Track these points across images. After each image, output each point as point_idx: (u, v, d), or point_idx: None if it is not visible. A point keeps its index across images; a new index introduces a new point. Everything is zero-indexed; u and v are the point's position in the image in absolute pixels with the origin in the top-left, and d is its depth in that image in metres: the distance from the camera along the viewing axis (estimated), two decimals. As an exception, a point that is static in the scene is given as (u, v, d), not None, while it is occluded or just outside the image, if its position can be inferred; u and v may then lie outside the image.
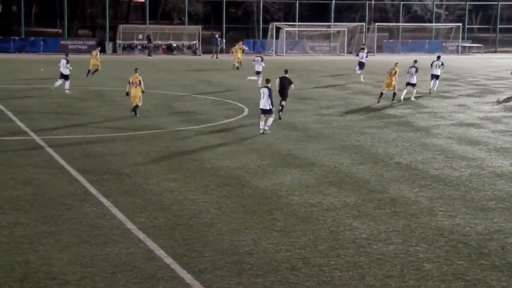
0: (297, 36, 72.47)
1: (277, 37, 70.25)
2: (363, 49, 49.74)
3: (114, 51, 66.58)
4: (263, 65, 41.10)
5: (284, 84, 28.83)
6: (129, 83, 28.59)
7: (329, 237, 14.18)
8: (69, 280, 11.75)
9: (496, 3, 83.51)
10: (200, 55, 68.30)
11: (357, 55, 49.10)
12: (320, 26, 73.70)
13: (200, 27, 71.55)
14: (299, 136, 25.29)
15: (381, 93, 34.37)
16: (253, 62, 40.99)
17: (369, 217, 15.52)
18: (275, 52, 69.38)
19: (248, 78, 41.65)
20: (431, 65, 38.68)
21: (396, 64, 34.59)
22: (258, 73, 40.51)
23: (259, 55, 42.87)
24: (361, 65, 46.64)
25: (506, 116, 30.33)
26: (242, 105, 32.32)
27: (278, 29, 70.49)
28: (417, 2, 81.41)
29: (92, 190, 17.33)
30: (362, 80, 45.00)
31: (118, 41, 67.29)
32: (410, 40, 76.48)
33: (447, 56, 65.97)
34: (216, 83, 42.05)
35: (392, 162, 21.05)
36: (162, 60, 61.09)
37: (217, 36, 67.36)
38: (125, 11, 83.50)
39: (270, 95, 25.10)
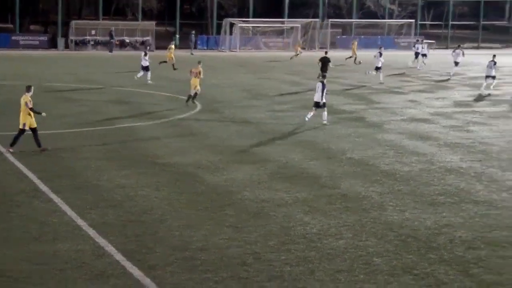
0: (251, 32, 72.45)
1: (231, 33, 70.15)
2: (418, 41, 54.86)
3: (67, 47, 65.85)
4: (382, 60, 41.83)
5: (325, 62, 39.69)
6: (191, 72, 31.39)
7: (280, 232, 14.24)
8: (17, 277, 11.62)
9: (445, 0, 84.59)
10: (153, 51, 67.84)
11: (414, 46, 53.13)
12: (274, 22, 73.73)
13: (154, 23, 71.07)
14: (252, 131, 25.34)
15: None
16: (374, 57, 41.90)
17: (320, 212, 15.61)
18: (229, 48, 69.29)
19: (369, 72, 42.19)
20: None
21: None
22: (378, 68, 41.50)
23: (379, 50, 43.12)
24: (417, 55, 51.30)
25: (456, 112, 30.71)
26: (195, 101, 32.20)
27: (232, 25, 70.39)
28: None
29: (43, 187, 17.15)
30: (418, 68, 50.18)
31: (71, 37, 66.52)
32: (363, 36, 76.85)
33: (399, 52, 66.68)
34: (172, 79, 41.75)
35: (344, 158, 21.20)
36: (119, 55, 60.56)
37: (193, 32, 67.11)
38: (78, 7, 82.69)
39: (323, 90, 26.15)
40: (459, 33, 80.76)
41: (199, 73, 31.45)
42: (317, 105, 26.55)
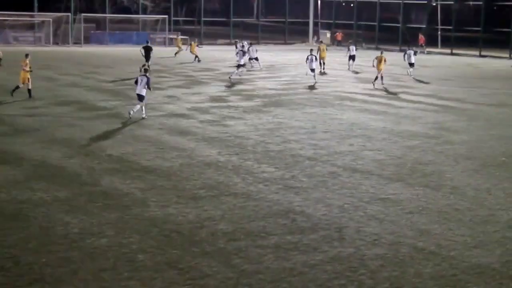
0: (-2, 25, 69.47)
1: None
2: (351, 42, 56.76)
3: None
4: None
5: (147, 51, 46.11)
6: (22, 66, 32.10)
7: (40, 233, 13.78)
8: None
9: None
10: None
11: (348, 49, 52.97)
12: (23, 16, 71.16)
13: None
14: (5, 130, 24.32)
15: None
16: (306, 62, 42.98)
17: (81, 211, 15.30)
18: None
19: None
20: (405, 54, 47.59)
21: None
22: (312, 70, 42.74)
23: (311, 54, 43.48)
24: (353, 58, 51.47)
25: (213, 107, 31.39)
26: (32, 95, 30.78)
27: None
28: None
29: None
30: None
31: None
32: (117, 32, 76.44)
33: (155, 47, 66.98)
34: None
35: (104, 155, 20.93)
36: None
37: None
38: None
39: (147, 83, 27.39)
40: (211, 29, 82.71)
41: (27, 65, 32.04)
42: (140, 97, 27.50)
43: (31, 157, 20.31)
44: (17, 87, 31.82)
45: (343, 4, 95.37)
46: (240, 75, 42.71)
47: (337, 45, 76.13)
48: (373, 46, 77.33)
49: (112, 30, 75.97)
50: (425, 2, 79.36)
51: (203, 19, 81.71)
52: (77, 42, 70.63)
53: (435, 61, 60.99)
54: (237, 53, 45.48)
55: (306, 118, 28.75)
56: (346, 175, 19.26)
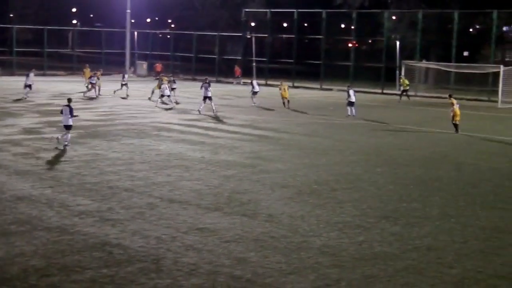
0: None
1: None
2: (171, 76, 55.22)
3: None
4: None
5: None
6: None
7: None
8: None
9: (11, 26, 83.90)
10: None
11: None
12: None
13: None
14: None
15: None
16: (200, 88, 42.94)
17: None
18: None
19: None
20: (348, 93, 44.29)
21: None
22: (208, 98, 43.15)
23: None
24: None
25: (26, 139, 30.35)
26: None
27: None
28: None
29: None
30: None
31: None
32: None
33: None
34: None
35: None
36: None
37: None
38: None
39: (71, 112, 28.47)
40: (23, 59, 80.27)
41: None
42: (67, 127, 28.51)
43: None
44: None
45: (160, 35, 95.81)
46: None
47: (156, 76, 76.09)
48: (189, 77, 78.06)
49: None
50: (240, 34, 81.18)
51: (15, 49, 79.16)
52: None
53: (250, 92, 62.33)
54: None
55: (124, 149, 28.47)
56: (163, 206, 19.20)
